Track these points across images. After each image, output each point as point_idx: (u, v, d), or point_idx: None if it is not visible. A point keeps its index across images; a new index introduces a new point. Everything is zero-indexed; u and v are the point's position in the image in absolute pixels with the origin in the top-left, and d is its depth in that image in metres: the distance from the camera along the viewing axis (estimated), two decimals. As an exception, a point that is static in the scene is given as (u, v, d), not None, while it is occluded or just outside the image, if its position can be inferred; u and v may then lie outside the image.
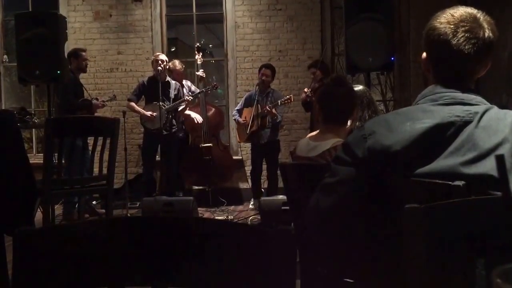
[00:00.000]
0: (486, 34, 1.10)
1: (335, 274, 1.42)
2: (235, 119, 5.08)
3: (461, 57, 1.10)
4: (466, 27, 1.10)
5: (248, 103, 4.97)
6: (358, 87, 2.22)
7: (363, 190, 1.14)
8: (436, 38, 1.12)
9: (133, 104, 4.79)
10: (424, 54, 1.19)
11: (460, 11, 1.12)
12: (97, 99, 4.79)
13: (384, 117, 1.18)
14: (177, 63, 5.06)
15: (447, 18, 1.12)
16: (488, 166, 1.01)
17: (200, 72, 4.99)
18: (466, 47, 1.09)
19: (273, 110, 4.70)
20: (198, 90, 5.02)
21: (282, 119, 5.03)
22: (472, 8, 1.13)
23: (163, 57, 4.82)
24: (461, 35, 1.10)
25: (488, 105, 1.11)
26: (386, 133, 1.10)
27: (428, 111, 1.10)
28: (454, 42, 1.10)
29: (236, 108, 5.15)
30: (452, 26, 1.11)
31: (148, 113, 4.69)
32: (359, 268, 1.30)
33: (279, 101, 4.74)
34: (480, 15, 1.12)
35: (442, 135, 1.07)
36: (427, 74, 1.19)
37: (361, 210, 1.20)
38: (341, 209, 1.16)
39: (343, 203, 1.16)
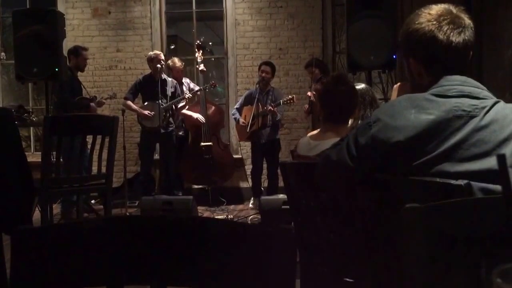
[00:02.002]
0: (467, 22, 1.14)
1: (335, 273, 1.42)
2: (235, 118, 5.06)
3: (452, 48, 1.13)
4: (448, 20, 1.13)
5: (248, 101, 4.95)
6: (360, 86, 2.22)
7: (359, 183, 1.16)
8: (422, 38, 1.14)
9: (129, 102, 4.78)
10: (411, 60, 1.19)
11: (434, 8, 1.15)
12: (95, 97, 4.78)
13: (390, 103, 1.20)
14: (176, 61, 5.05)
15: (426, 17, 1.15)
16: (493, 162, 1.01)
17: (201, 66, 4.98)
18: (454, 37, 1.12)
19: (275, 109, 4.69)
20: (197, 87, 5.01)
21: (282, 118, 5.01)
22: (441, 4, 1.16)
23: (162, 55, 4.82)
24: (446, 27, 1.13)
25: (495, 99, 1.11)
26: (390, 121, 1.11)
27: (434, 101, 1.10)
28: (441, 36, 1.12)
29: (235, 107, 5.13)
30: (434, 22, 1.13)
31: (146, 112, 4.68)
32: (359, 268, 1.30)
33: (281, 101, 4.73)
34: (452, 7, 1.15)
35: (446, 129, 1.07)
36: (419, 79, 1.19)
37: (357, 203, 1.20)
38: (346, 166, 1.19)
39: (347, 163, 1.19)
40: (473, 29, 1.15)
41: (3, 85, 6.12)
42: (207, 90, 4.97)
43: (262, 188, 5.07)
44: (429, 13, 1.14)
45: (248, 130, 4.86)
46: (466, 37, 1.13)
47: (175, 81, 4.89)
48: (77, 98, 4.53)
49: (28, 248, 0.70)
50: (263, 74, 4.83)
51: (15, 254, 0.69)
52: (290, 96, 4.74)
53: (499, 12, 1.01)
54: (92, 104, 4.61)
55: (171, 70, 4.99)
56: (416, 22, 1.15)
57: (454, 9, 1.15)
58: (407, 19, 1.19)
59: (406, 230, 0.83)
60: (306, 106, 4.94)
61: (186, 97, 4.79)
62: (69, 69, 4.51)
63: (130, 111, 4.88)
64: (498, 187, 0.97)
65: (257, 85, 4.86)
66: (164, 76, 4.78)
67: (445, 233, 0.84)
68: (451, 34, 1.12)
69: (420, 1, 4.68)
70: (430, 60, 1.16)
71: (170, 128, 4.83)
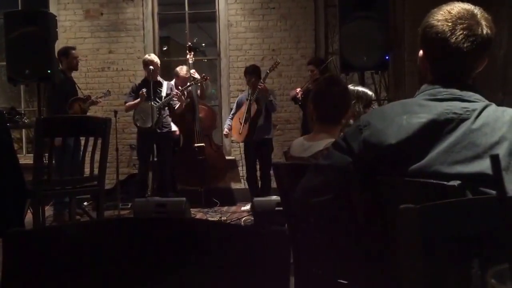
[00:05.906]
0: (485, 31, 1.09)
1: (329, 275, 1.42)
2: (226, 130, 4.99)
3: (460, 54, 1.10)
4: (464, 25, 1.09)
5: (240, 106, 4.93)
6: (360, 88, 2.22)
7: (355, 182, 1.15)
8: (433, 36, 1.11)
9: (128, 103, 4.78)
10: (421, 52, 1.18)
11: (457, 7, 1.11)
12: (90, 97, 4.75)
13: (381, 108, 1.19)
14: (179, 69, 5.06)
15: (444, 16, 1.10)
16: (485, 165, 1.01)
17: (192, 72, 4.97)
18: (465, 45, 1.09)
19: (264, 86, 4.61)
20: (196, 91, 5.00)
21: (276, 105, 4.81)
22: (469, 4, 1.13)
23: (153, 57, 4.80)
24: (459, 32, 1.09)
25: (487, 102, 1.11)
26: (381, 125, 1.11)
27: (425, 106, 1.10)
28: (452, 40, 1.09)
29: (229, 117, 5.04)
30: (449, 24, 1.09)
31: (139, 99, 4.62)
32: (353, 269, 1.30)
33: (267, 70, 4.71)
34: (477, 11, 1.11)
35: (438, 132, 1.07)
36: (424, 71, 1.19)
37: (350, 204, 1.21)
38: (325, 192, 1.18)
39: (329, 187, 1.18)
40: (490, 40, 1.10)
41: (-5, 87, 6.07)
42: (198, 84, 4.94)
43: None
44: (450, 12, 1.10)
45: (244, 124, 4.78)
46: (478, 47, 1.08)
47: (171, 84, 4.89)
48: (71, 99, 4.51)
49: (20, 250, 0.69)
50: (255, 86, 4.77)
51: (6, 257, 0.68)
52: (274, 63, 4.73)
53: (489, 13, 1.00)
54: (87, 103, 4.60)
55: (176, 77, 5.00)
56: (434, 18, 1.11)
57: (478, 14, 1.09)
58: (433, 9, 1.14)
59: (401, 231, 0.83)
60: (293, 92, 4.81)
61: (173, 93, 4.74)
62: (62, 71, 4.48)
63: (132, 108, 4.77)
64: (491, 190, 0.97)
65: (248, 87, 4.86)
66: (159, 78, 4.78)
67: (439, 233, 0.84)
68: (462, 40, 1.08)
69: (412, 2, 4.73)
70: (435, 59, 1.15)
71: (166, 129, 4.81)
